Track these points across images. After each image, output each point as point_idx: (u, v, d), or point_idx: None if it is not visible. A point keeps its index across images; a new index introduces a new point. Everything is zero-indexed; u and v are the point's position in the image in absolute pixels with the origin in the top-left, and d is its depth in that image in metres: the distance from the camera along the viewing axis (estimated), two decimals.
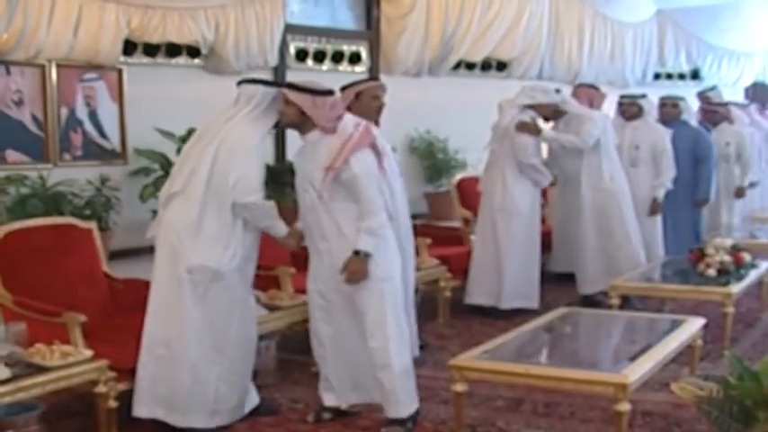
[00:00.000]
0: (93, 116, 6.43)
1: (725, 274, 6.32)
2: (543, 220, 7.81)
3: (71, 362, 4.41)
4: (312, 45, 8.10)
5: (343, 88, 5.44)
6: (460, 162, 8.98)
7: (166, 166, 6.24)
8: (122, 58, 6.52)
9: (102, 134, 6.49)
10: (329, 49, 8.25)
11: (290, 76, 7.54)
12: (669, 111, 8.07)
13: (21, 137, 6.05)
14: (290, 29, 7.69)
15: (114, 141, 6.55)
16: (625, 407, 4.09)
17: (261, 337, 5.36)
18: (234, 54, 7.03)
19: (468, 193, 7.98)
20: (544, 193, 7.91)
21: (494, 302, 7.10)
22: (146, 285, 4.79)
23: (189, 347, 4.61)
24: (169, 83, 6.79)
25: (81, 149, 6.36)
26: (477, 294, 7.19)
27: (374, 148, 4.73)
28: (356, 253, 4.52)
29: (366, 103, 5.49)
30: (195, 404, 4.64)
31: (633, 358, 4.45)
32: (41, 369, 4.32)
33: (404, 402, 4.62)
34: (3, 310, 4.92)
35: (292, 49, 7.88)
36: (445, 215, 8.63)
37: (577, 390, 4.46)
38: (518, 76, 9.91)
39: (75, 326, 4.60)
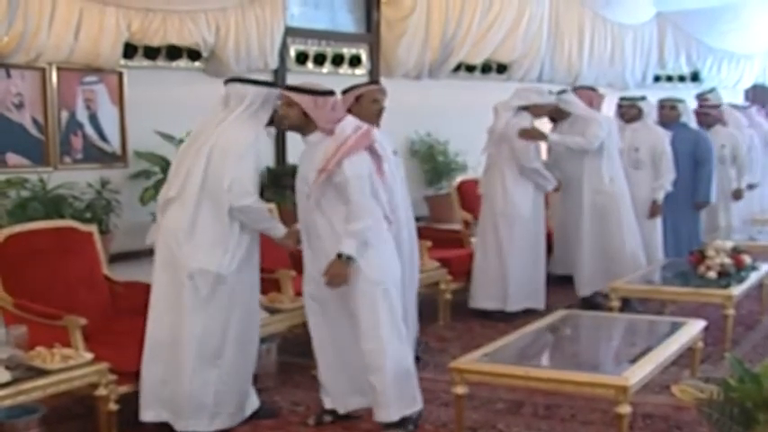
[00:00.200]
0: (93, 119, 6.43)
1: (725, 277, 6.32)
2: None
3: (72, 365, 4.41)
4: (312, 48, 8.10)
5: (344, 92, 5.49)
6: (461, 165, 8.99)
7: (167, 168, 6.21)
8: (123, 62, 6.52)
9: (103, 137, 6.49)
10: (329, 51, 8.25)
11: (291, 79, 7.54)
12: (668, 113, 8.07)
13: (21, 140, 6.05)
14: (290, 32, 7.70)
15: (115, 144, 6.56)
16: (626, 409, 4.09)
17: (262, 340, 5.36)
18: (234, 57, 7.03)
19: (469, 196, 7.98)
20: (545, 196, 7.92)
21: (500, 306, 7.11)
22: (146, 288, 4.80)
23: (190, 352, 4.61)
24: (169, 86, 6.79)
25: (81, 152, 6.36)
26: (482, 299, 7.19)
27: (372, 151, 4.73)
28: (338, 256, 4.53)
29: (366, 106, 5.49)
30: (196, 408, 4.65)
31: (634, 360, 4.45)
32: (42, 372, 4.32)
33: (393, 406, 4.60)
34: (3, 313, 4.92)
35: (292, 52, 7.89)
36: (445, 218, 8.63)
37: (578, 392, 4.46)
38: (518, 79, 9.91)
39: (76, 329, 4.60)
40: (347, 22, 8.56)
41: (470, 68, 9.69)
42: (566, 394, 4.76)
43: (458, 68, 9.48)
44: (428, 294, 6.82)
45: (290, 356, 5.70)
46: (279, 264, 5.85)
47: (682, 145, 7.79)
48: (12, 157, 6.02)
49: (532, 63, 10.23)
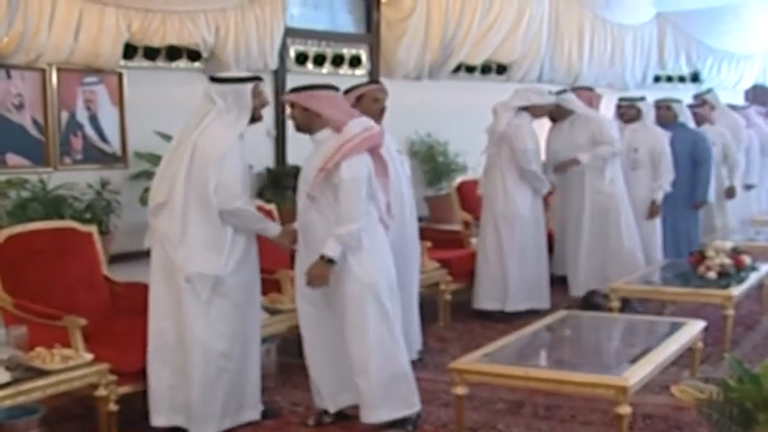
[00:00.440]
0: (93, 120, 6.43)
1: (725, 277, 6.33)
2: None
3: (71, 365, 4.42)
4: (312, 48, 8.09)
5: (346, 92, 5.53)
6: (461, 165, 8.98)
7: None
8: (122, 62, 6.51)
9: (103, 138, 6.49)
10: (329, 52, 8.24)
11: (291, 80, 7.55)
12: (663, 113, 8.08)
13: (21, 141, 6.05)
14: (290, 32, 7.69)
15: (115, 145, 6.55)
16: (625, 409, 4.10)
17: (262, 341, 5.36)
18: (234, 57, 7.03)
19: (469, 197, 7.98)
20: (545, 197, 7.92)
21: (500, 306, 7.12)
22: (146, 289, 4.80)
23: (196, 355, 4.61)
24: (169, 86, 6.79)
25: (81, 153, 6.36)
26: (484, 299, 7.20)
27: (376, 154, 4.73)
28: (321, 257, 4.53)
29: (367, 105, 5.52)
30: (208, 411, 4.64)
31: (633, 361, 4.46)
32: (42, 372, 4.33)
33: (379, 408, 4.62)
34: (3, 313, 4.93)
35: (292, 53, 7.88)
36: (446, 218, 8.62)
37: (578, 392, 4.47)
38: (518, 80, 9.90)
39: (76, 329, 4.61)
40: (347, 22, 8.55)
41: (470, 69, 9.68)
42: (566, 395, 4.77)
43: (458, 69, 9.47)
44: (428, 295, 6.83)
45: (291, 357, 5.71)
46: (279, 264, 5.85)
47: (680, 145, 7.80)
48: (12, 158, 6.01)
49: (532, 64, 10.22)
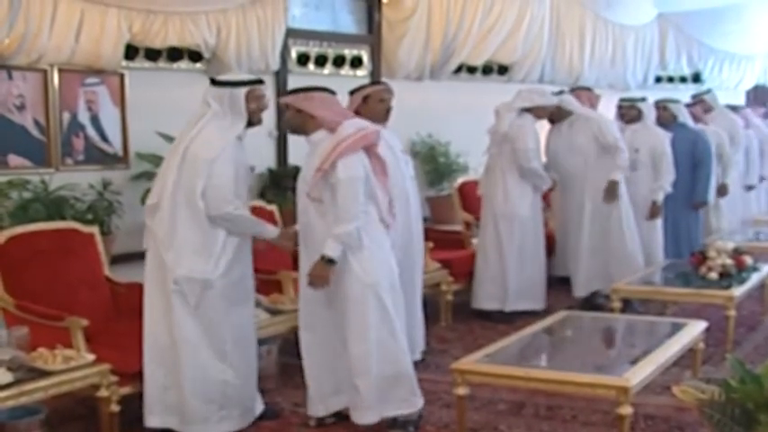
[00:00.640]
0: (94, 121, 6.44)
1: (727, 278, 6.33)
2: (545, 224, 7.81)
3: (73, 366, 4.42)
4: (314, 49, 8.10)
5: (352, 92, 5.66)
6: (462, 166, 8.99)
7: None
8: (124, 63, 6.52)
9: (104, 138, 6.49)
10: (331, 53, 8.25)
11: (292, 81, 7.55)
12: (661, 114, 8.08)
13: (23, 141, 6.05)
14: (291, 33, 7.70)
15: (116, 146, 6.56)
16: (627, 410, 4.10)
17: (263, 342, 5.37)
18: (235, 58, 7.03)
19: (470, 197, 7.99)
20: (545, 197, 7.92)
21: (499, 306, 7.12)
22: None
23: (186, 356, 4.60)
24: (171, 87, 6.79)
25: (83, 154, 6.36)
26: (484, 299, 7.20)
27: (373, 153, 4.74)
28: (322, 258, 4.53)
29: (373, 106, 5.60)
30: (200, 412, 4.64)
31: (635, 361, 4.46)
32: (44, 373, 4.33)
33: (373, 410, 4.61)
34: (5, 314, 4.93)
35: (294, 54, 7.89)
36: (447, 219, 8.63)
37: (579, 393, 4.47)
38: (519, 80, 9.91)
39: (78, 330, 4.61)
40: (348, 23, 8.55)
41: (471, 70, 9.68)
42: (567, 395, 4.77)
43: (459, 70, 9.48)
44: (429, 295, 6.83)
45: (292, 358, 5.70)
46: (280, 265, 5.86)
47: (681, 145, 7.80)
48: (13, 159, 6.02)
49: (533, 64, 10.22)
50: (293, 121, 4.79)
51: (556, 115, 7.42)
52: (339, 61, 8.31)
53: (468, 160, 8.85)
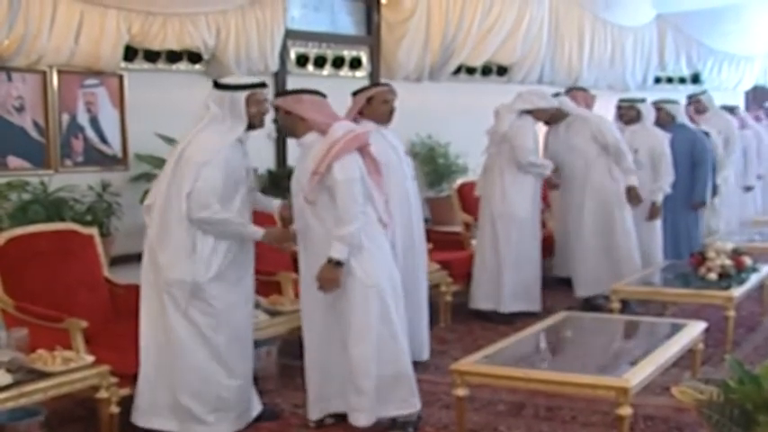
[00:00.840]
0: (94, 122, 6.43)
1: (726, 278, 6.33)
2: (544, 225, 7.82)
3: (73, 367, 4.42)
4: (313, 50, 8.10)
5: (355, 93, 5.72)
6: (461, 167, 8.98)
7: None
8: (123, 64, 6.52)
9: (104, 140, 6.49)
10: (330, 54, 8.25)
11: (291, 82, 7.55)
12: (658, 114, 8.08)
13: (22, 143, 6.05)
14: (290, 34, 7.70)
15: (115, 147, 6.56)
16: (626, 411, 4.10)
17: (263, 343, 5.37)
18: (234, 60, 7.03)
19: (470, 198, 7.99)
20: (545, 198, 7.92)
21: (494, 306, 7.13)
22: None
23: (179, 358, 4.60)
24: (170, 89, 6.79)
25: (82, 155, 6.36)
26: (479, 299, 7.21)
27: (366, 153, 4.74)
28: (329, 260, 4.53)
29: (377, 107, 5.67)
30: (194, 414, 4.63)
31: (634, 362, 4.46)
32: (43, 375, 4.34)
33: (372, 411, 4.61)
34: (4, 315, 4.93)
35: (293, 55, 7.88)
36: (446, 220, 8.63)
37: (579, 394, 4.47)
38: (518, 81, 9.90)
39: (77, 331, 4.61)
40: (347, 24, 8.55)
41: (471, 71, 9.68)
42: (567, 396, 4.78)
43: (458, 71, 9.47)
44: (429, 296, 6.82)
45: (291, 359, 5.71)
46: (280, 266, 5.86)
47: (679, 145, 7.81)
48: (13, 160, 6.01)
49: (533, 65, 10.22)
50: (283, 123, 4.81)
51: (552, 117, 7.43)
52: (338, 62, 8.31)
53: (468, 161, 8.85)
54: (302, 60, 7.98)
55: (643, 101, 7.99)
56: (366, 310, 4.59)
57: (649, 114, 7.88)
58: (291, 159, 7.59)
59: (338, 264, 4.53)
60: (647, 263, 7.41)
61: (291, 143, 7.46)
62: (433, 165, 8.99)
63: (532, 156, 7.10)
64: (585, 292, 7.40)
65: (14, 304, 4.89)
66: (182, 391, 4.61)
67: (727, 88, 13.55)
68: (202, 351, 4.62)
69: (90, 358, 4.53)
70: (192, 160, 4.54)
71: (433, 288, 6.89)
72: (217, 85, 4.73)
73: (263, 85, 4.80)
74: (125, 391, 4.66)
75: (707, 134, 8.62)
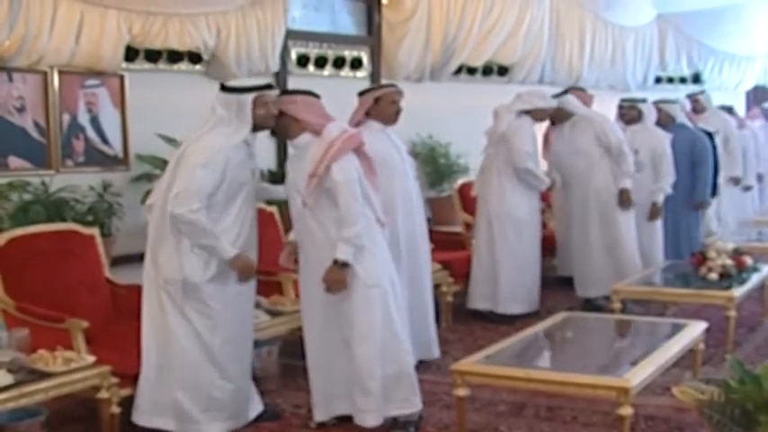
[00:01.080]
0: (95, 122, 6.44)
1: (727, 278, 6.33)
2: (544, 225, 7.81)
3: (74, 368, 4.43)
4: (313, 51, 8.10)
5: (362, 93, 5.73)
6: (462, 167, 8.99)
7: None
8: (124, 65, 6.52)
9: (105, 140, 6.49)
10: (330, 54, 8.25)
11: (292, 82, 7.55)
12: (658, 114, 8.07)
13: (23, 143, 6.05)
14: (291, 34, 7.70)
15: (116, 147, 6.56)
16: (627, 411, 4.10)
17: (264, 343, 5.37)
18: (235, 60, 7.03)
19: (470, 198, 7.98)
20: (546, 198, 7.92)
21: (491, 307, 7.12)
22: None
23: (176, 358, 4.61)
24: (171, 89, 6.79)
25: (83, 156, 6.36)
26: (477, 299, 7.21)
27: (361, 153, 4.74)
28: (335, 262, 4.53)
29: (384, 107, 5.68)
30: (191, 413, 4.64)
31: (635, 362, 4.46)
32: (44, 375, 4.34)
33: (378, 411, 4.61)
34: (5, 316, 4.94)
35: (294, 55, 7.89)
36: (447, 220, 8.63)
37: (579, 394, 4.47)
38: (519, 81, 9.91)
39: (78, 332, 4.62)
40: (348, 24, 8.55)
41: (471, 71, 9.68)
42: (567, 396, 4.78)
43: (459, 71, 9.48)
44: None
45: (292, 359, 5.71)
46: (281, 267, 5.84)
47: (680, 145, 7.81)
48: (13, 161, 6.02)
49: (533, 65, 10.22)
50: (276, 125, 4.79)
51: (557, 116, 7.43)
52: (339, 63, 8.31)
53: (469, 161, 8.85)
54: (303, 61, 7.99)
55: (644, 101, 7.99)
56: (369, 310, 4.59)
57: (650, 114, 7.87)
58: None
59: (344, 265, 4.53)
60: (648, 263, 7.41)
61: None
62: (433, 165, 8.99)
63: (530, 161, 7.09)
64: (586, 293, 7.40)
65: (15, 305, 4.89)
66: (176, 389, 4.61)
67: (727, 88, 13.55)
68: (197, 351, 4.63)
69: (91, 358, 4.54)
70: (190, 162, 4.55)
71: (434, 288, 6.88)
72: (224, 89, 4.72)
73: (269, 86, 4.80)
74: (126, 392, 4.66)
75: (710, 134, 8.62)
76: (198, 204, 4.48)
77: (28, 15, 5.79)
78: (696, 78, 13.12)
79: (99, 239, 5.51)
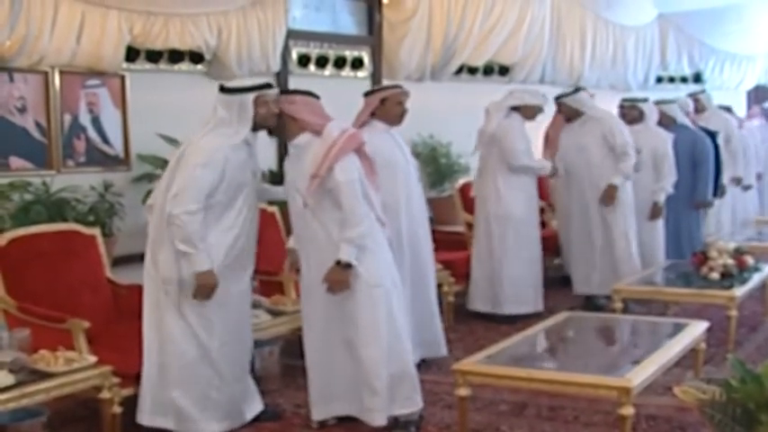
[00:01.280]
0: (96, 122, 6.44)
1: (728, 278, 6.33)
2: (545, 225, 7.81)
3: (75, 368, 4.43)
4: (314, 50, 8.10)
5: (367, 94, 5.74)
6: (463, 167, 8.99)
7: None
8: (125, 65, 6.52)
9: (106, 140, 6.50)
10: (331, 54, 8.25)
11: (293, 82, 7.55)
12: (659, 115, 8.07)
13: (24, 143, 6.06)
14: (292, 34, 7.70)
15: (117, 147, 6.56)
16: (629, 411, 4.10)
17: (265, 343, 5.37)
18: (236, 60, 7.03)
19: (471, 198, 7.98)
20: (546, 197, 7.91)
21: (491, 309, 7.11)
22: None
23: (173, 357, 4.61)
24: (172, 89, 6.80)
25: (84, 156, 6.37)
26: (477, 300, 7.20)
27: (362, 154, 4.74)
28: (338, 263, 4.53)
29: (390, 108, 5.69)
30: (190, 412, 4.64)
31: (636, 362, 4.46)
32: (45, 375, 4.34)
33: (384, 411, 4.60)
34: (7, 316, 4.93)
35: (294, 55, 7.89)
36: (448, 220, 8.63)
37: (581, 394, 4.47)
38: (520, 81, 9.91)
39: (80, 332, 4.62)
40: (349, 24, 8.56)
41: (472, 70, 9.68)
42: (569, 396, 4.77)
43: (460, 70, 9.48)
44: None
45: (293, 359, 5.70)
46: (282, 267, 5.85)
47: (681, 145, 7.80)
48: (15, 161, 6.02)
49: (534, 65, 10.22)
50: (276, 124, 4.79)
51: (571, 114, 7.44)
52: (340, 62, 8.32)
53: (470, 161, 8.84)
54: (304, 60, 7.99)
55: (645, 100, 7.99)
56: (374, 310, 4.58)
57: (652, 114, 7.87)
58: None
59: (347, 266, 4.53)
60: (649, 263, 7.41)
61: None
62: (434, 165, 9.00)
63: (525, 158, 7.08)
64: (584, 290, 7.40)
65: (17, 305, 4.89)
66: (173, 388, 4.62)
67: (728, 88, 13.55)
68: (194, 350, 4.63)
69: (92, 359, 4.54)
70: (189, 162, 4.55)
71: (436, 288, 6.89)
72: (224, 90, 4.72)
73: (269, 86, 4.79)
74: (127, 392, 4.66)
75: (713, 134, 8.61)
76: (196, 206, 4.48)
77: (29, 15, 5.79)
78: (697, 78, 13.11)
79: (100, 239, 5.51)
